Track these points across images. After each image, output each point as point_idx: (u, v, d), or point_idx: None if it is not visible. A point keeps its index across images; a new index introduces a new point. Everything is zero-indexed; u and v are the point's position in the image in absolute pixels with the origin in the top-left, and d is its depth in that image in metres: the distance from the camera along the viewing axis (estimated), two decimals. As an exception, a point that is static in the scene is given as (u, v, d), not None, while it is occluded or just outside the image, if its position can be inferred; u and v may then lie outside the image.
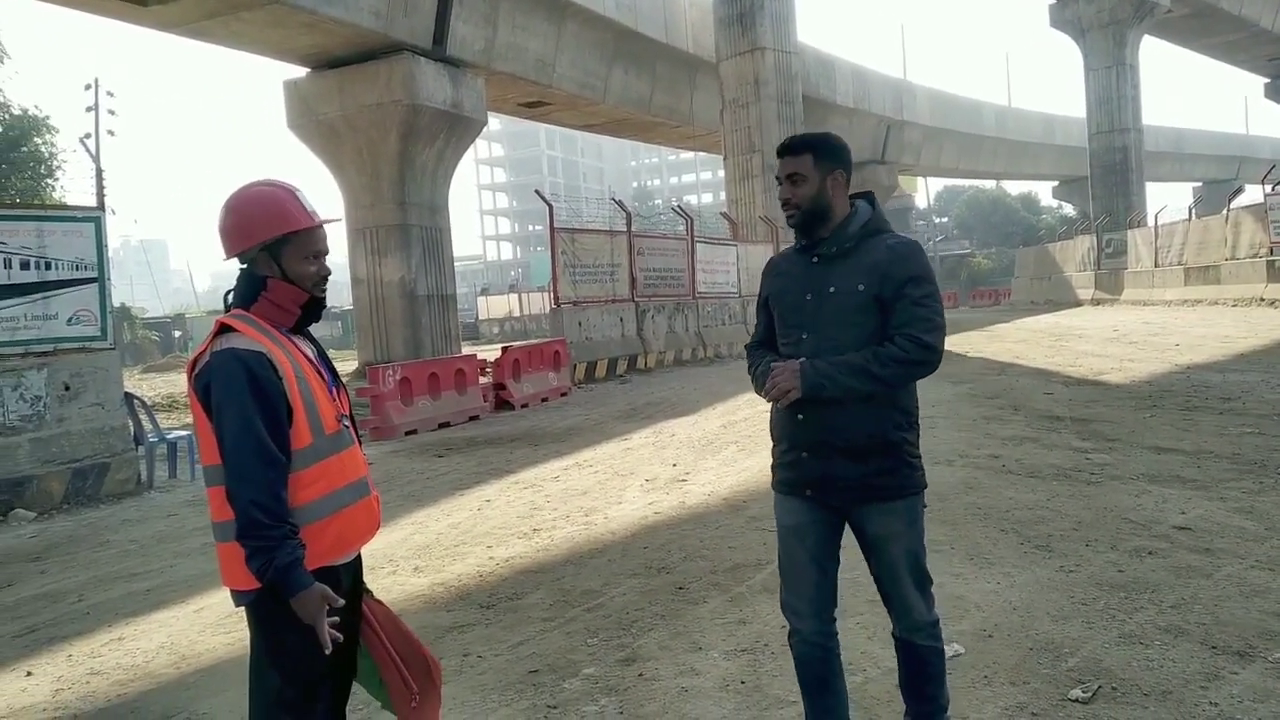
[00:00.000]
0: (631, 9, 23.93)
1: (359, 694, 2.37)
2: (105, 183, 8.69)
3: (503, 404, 13.07)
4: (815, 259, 2.47)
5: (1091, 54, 36.37)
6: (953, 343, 18.29)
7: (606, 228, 18.55)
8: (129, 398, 8.86)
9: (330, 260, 2.23)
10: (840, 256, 2.43)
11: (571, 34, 22.61)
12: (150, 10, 15.35)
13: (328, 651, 1.98)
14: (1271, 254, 22.85)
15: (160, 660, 4.09)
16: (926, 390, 11.24)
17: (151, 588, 5.29)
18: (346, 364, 20.99)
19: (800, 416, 2.41)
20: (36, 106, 25.98)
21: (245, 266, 2.13)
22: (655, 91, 26.95)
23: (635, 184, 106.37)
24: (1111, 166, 36.04)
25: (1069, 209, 62.34)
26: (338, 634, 1.98)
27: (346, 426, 2.18)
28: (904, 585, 2.45)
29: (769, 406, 2.52)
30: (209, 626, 4.48)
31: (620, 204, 18.57)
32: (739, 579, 4.52)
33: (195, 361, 2.05)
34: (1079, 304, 33.17)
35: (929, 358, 2.33)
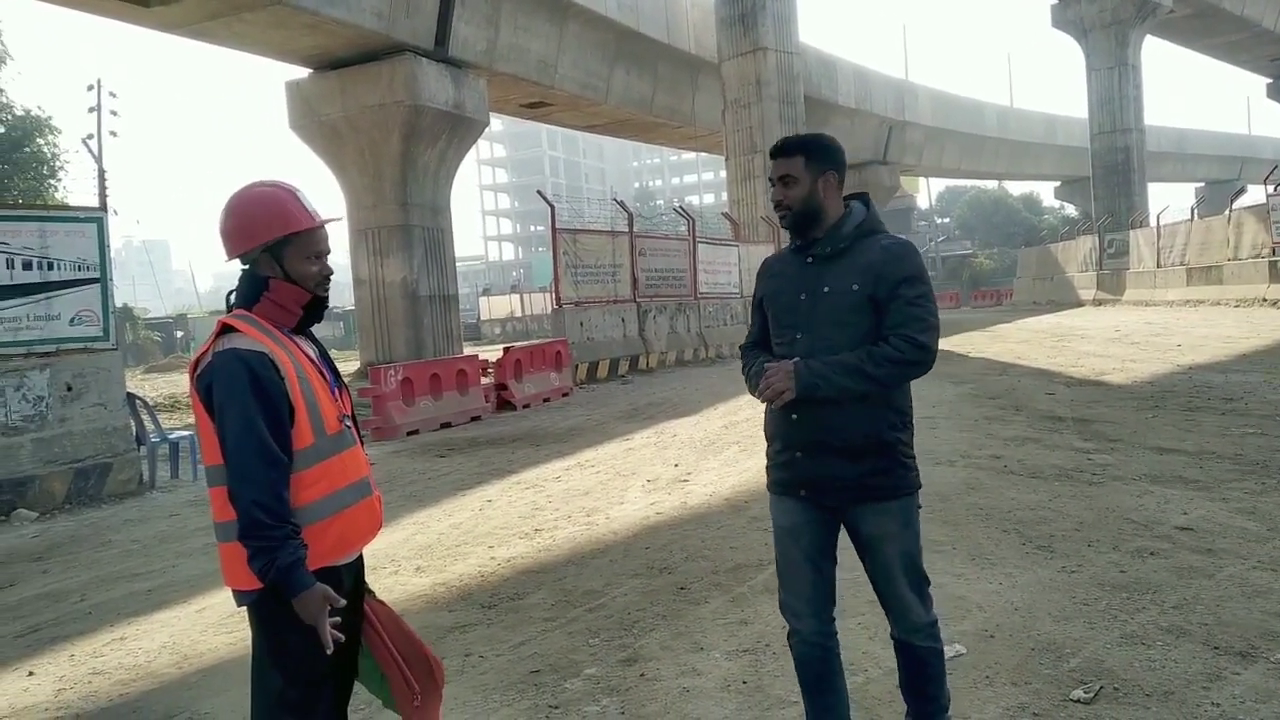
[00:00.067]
0: (633, 10, 23.93)
1: (360, 694, 2.37)
2: (107, 183, 8.71)
3: (504, 404, 13.07)
4: (810, 259, 2.48)
5: (1093, 54, 36.34)
6: (954, 343, 18.28)
7: (608, 228, 18.56)
8: (131, 398, 8.87)
9: (332, 261, 2.23)
10: (835, 257, 2.43)
11: (573, 35, 22.61)
12: (152, 11, 15.37)
13: (329, 652, 1.99)
14: (1274, 254, 22.82)
15: (162, 660, 4.09)
16: (929, 390, 11.29)
17: (153, 587, 5.30)
18: (348, 364, 21.01)
19: (794, 416, 2.41)
20: (39, 107, 26.01)
21: (247, 267, 2.13)
22: (657, 92, 26.96)
23: (637, 184, 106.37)
24: (1113, 167, 36.01)
25: (1071, 209, 62.30)
26: (339, 634, 1.99)
27: (348, 427, 2.18)
28: (900, 586, 2.44)
29: (765, 407, 2.52)
30: (211, 626, 4.48)
31: (622, 204, 18.57)
32: (740, 579, 4.52)
33: (197, 362, 2.06)
34: (1081, 304, 33.13)
35: (923, 358, 2.33)
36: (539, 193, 18.66)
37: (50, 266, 8.03)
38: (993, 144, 48.68)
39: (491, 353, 15.50)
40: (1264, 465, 6.10)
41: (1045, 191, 70.07)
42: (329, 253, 2.19)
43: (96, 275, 8.34)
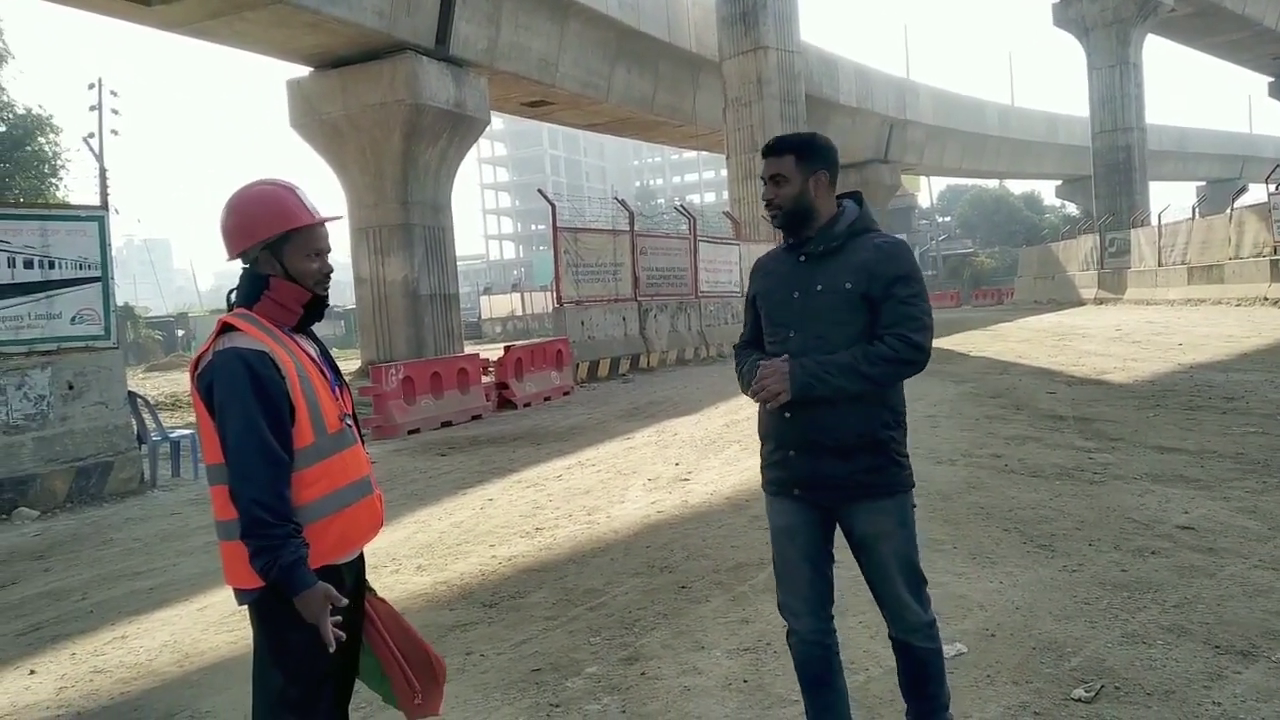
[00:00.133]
0: (634, 8, 23.92)
1: (361, 692, 2.37)
2: (109, 182, 8.72)
3: (505, 403, 13.07)
4: (802, 257, 2.48)
5: (1095, 53, 36.32)
6: (955, 342, 18.28)
7: (609, 227, 18.57)
8: (132, 397, 8.87)
9: (333, 259, 2.24)
10: (827, 255, 2.44)
11: (574, 33, 22.61)
12: (154, 10, 15.37)
13: (331, 650, 1.99)
14: (1275, 253, 22.80)
15: (163, 658, 4.10)
16: (930, 389, 11.28)
17: (154, 586, 5.30)
18: (349, 363, 21.01)
19: (788, 416, 2.41)
20: (40, 106, 26.10)
21: (248, 266, 2.13)
22: (658, 90, 26.95)
23: (638, 183, 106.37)
24: (1115, 165, 36.00)
25: (1072, 208, 62.29)
26: (340, 633, 1.99)
27: (349, 425, 2.18)
28: (896, 586, 2.43)
29: (759, 407, 2.52)
30: (212, 625, 4.48)
31: (623, 203, 18.57)
32: (741, 578, 4.52)
33: (198, 360, 2.06)
34: (1082, 303, 33.11)
35: (918, 357, 2.33)
36: (540, 191, 18.65)
37: (51, 265, 8.03)
38: (994, 143, 48.65)
39: (492, 351, 15.51)
40: (1265, 464, 6.10)
41: (1046, 190, 70.12)
42: (329, 251, 2.19)
43: (98, 274, 8.34)
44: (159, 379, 24.67)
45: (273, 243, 2.09)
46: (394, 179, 18.64)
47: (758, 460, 2.62)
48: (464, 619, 4.27)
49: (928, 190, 69.56)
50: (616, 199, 19.26)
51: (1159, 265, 29.17)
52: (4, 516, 7.43)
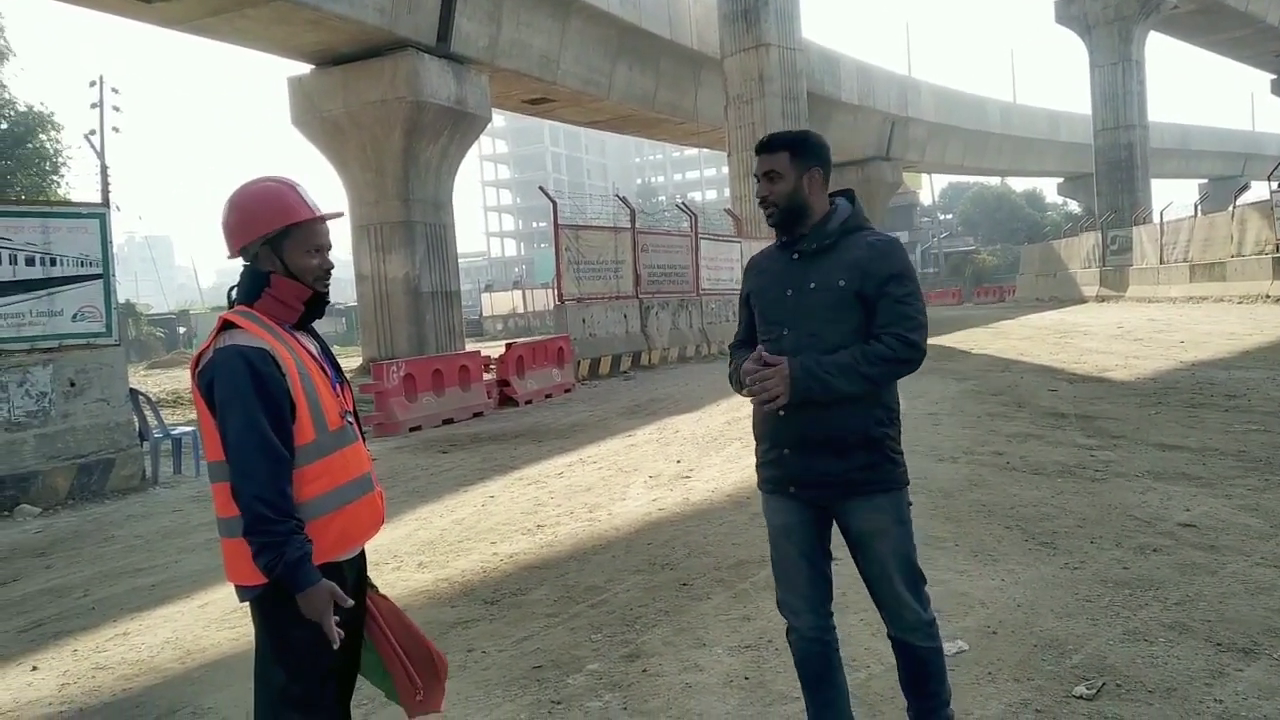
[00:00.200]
0: (635, 5, 23.90)
1: (363, 688, 2.38)
2: (110, 179, 8.72)
3: (507, 400, 13.08)
4: (795, 255, 2.48)
5: (1097, 50, 36.27)
6: (957, 340, 18.28)
7: (611, 224, 18.54)
8: (134, 394, 8.88)
9: (334, 256, 2.24)
10: (820, 253, 2.44)
11: (576, 30, 22.59)
12: (155, 7, 15.37)
13: (336, 647, 1.99)
14: (1277, 251, 22.77)
15: (165, 655, 4.10)
16: (931, 387, 11.28)
17: (156, 583, 5.31)
18: (351, 360, 21.04)
19: (782, 414, 2.40)
20: (41, 103, 26.08)
21: (249, 263, 2.13)
22: (659, 88, 26.93)
23: (639, 180, 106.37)
24: (1117, 163, 35.96)
25: (1074, 206, 62.24)
26: (341, 631, 1.99)
27: (350, 423, 2.18)
28: (895, 584, 2.42)
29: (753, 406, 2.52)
30: (214, 622, 4.49)
31: (624, 200, 18.56)
32: (743, 575, 4.52)
33: (199, 358, 2.06)
34: (1084, 301, 33.09)
35: (914, 356, 2.34)
36: (541, 189, 18.64)
37: (53, 262, 8.03)
38: (996, 140, 48.61)
39: (494, 349, 15.51)
40: (1267, 462, 6.09)
41: (1048, 188, 70.03)
42: (330, 247, 2.19)
43: (99, 271, 8.34)
44: (160, 376, 24.71)
45: (273, 239, 2.09)
46: (395, 176, 18.64)
47: (756, 459, 2.61)
48: (465, 616, 4.27)
49: (930, 188, 69.58)
50: (618, 196, 19.26)
51: (1161, 263, 29.14)
52: (6, 513, 7.44)
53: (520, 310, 44.93)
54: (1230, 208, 25.80)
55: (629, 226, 18.22)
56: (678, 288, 19.76)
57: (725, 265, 22.04)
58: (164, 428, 9.20)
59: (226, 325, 2.05)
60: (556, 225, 16.14)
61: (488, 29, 19.68)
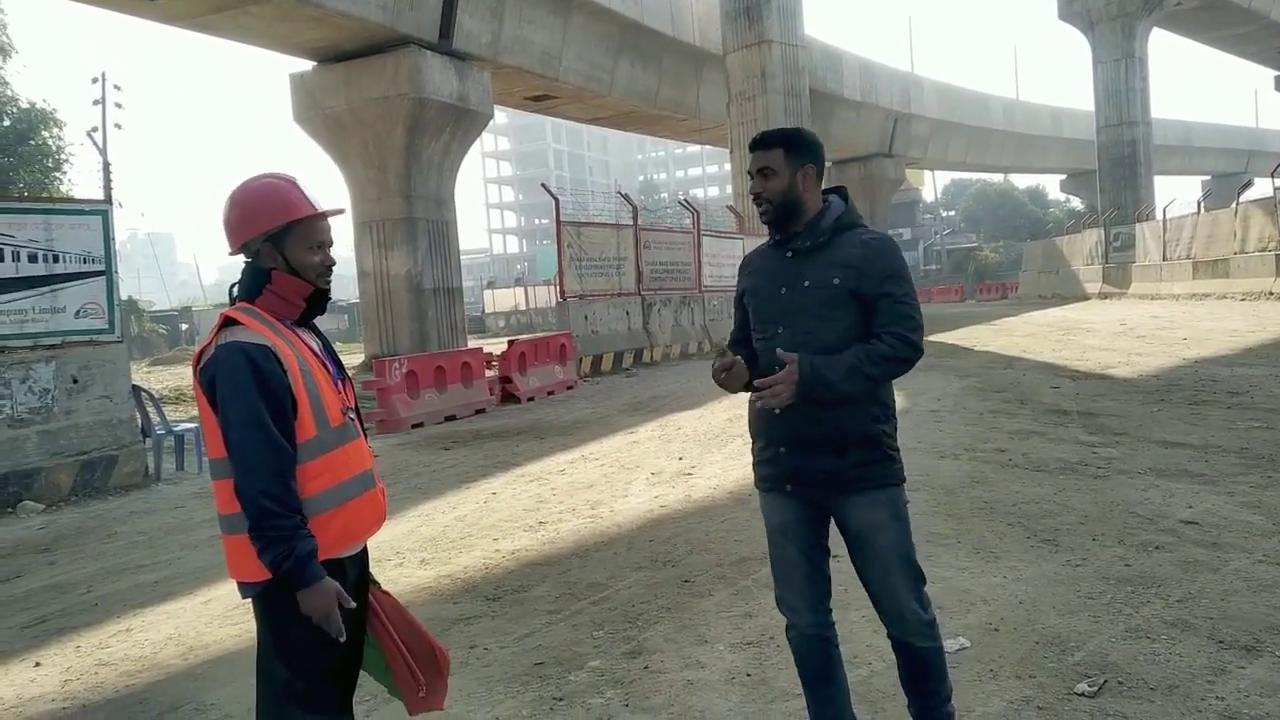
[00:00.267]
0: (637, 2, 23.88)
1: (365, 684, 2.38)
2: (112, 176, 8.73)
3: (509, 397, 13.08)
4: (789, 253, 2.49)
5: (1100, 47, 36.17)
6: (959, 336, 18.26)
7: (613, 221, 18.53)
8: (136, 390, 8.89)
9: (336, 253, 2.24)
10: (814, 250, 2.44)
11: (578, 27, 22.57)
12: (157, 4, 15.37)
13: (341, 641, 2.00)
14: (1281, 248, 22.71)
15: (168, 651, 4.11)
16: (933, 384, 11.26)
17: (159, 579, 5.32)
18: (353, 357, 21.05)
19: (778, 412, 2.40)
20: (44, 100, 26.08)
21: (250, 260, 2.13)
22: (661, 84, 26.90)
23: (641, 177, 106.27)
24: (1120, 160, 35.88)
25: (1077, 202, 62.16)
26: (341, 628, 1.99)
27: (352, 419, 2.18)
28: (895, 583, 2.41)
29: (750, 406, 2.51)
30: (216, 618, 4.50)
31: (626, 197, 18.55)
32: (744, 572, 4.52)
33: (200, 355, 2.06)
34: (1086, 298, 33.02)
35: (914, 355, 2.36)
36: (543, 185, 18.64)
37: (55, 259, 8.04)
38: (999, 137, 48.54)
39: (496, 346, 15.52)
40: (1270, 459, 6.08)
41: (1051, 184, 69.90)
42: (331, 244, 2.19)
43: (101, 268, 8.36)
44: (163, 373, 24.73)
45: (274, 235, 2.09)
46: (397, 173, 18.64)
47: (754, 457, 2.60)
48: (467, 612, 4.28)
49: (932, 184, 69.35)
50: (620, 193, 19.24)
51: (1164, 260, 29.07)
52: (9, 510, 7.46)
53: (522, 307, 44.95)
54: (1233, 205, 25.72)
55: (631, 223, 18.21)
56: (680, 284, 19.75)
57: (727, 262, 22.03)
58: (166, 424, 9.22)
59: (228, 322, 2.05)
60: (559, 222, 16.13)
61: (490, 26, 19.66)
